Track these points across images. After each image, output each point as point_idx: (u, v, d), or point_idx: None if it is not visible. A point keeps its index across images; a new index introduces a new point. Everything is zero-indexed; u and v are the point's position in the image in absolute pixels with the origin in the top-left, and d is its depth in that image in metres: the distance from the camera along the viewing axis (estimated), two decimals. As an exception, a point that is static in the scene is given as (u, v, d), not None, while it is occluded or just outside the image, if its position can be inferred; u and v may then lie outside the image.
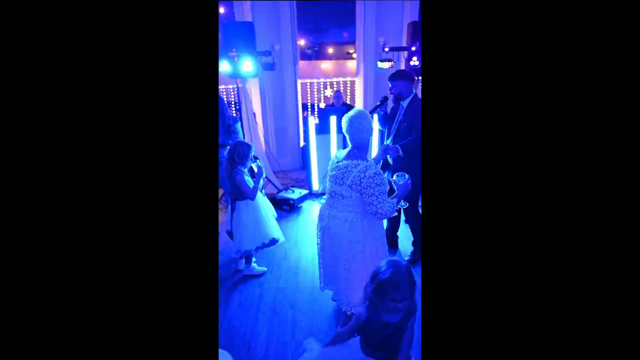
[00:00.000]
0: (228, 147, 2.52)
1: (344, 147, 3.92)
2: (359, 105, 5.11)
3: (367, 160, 1.74)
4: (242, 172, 2.40)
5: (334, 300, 2.16)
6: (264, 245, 2.59)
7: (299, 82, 4.96)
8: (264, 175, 2.51)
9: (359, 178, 1.68)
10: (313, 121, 3.96)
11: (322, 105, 5.50)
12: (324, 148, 3.92)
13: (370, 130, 1.77)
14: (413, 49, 3.76)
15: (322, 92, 5.86)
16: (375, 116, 2.73)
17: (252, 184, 2.44)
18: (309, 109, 5.49)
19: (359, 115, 1.76)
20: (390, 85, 2.60)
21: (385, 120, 2.76)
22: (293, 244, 3.13)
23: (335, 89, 5.19)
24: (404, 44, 4.36)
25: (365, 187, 1.67)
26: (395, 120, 2.64)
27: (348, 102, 5.21)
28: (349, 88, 5.48)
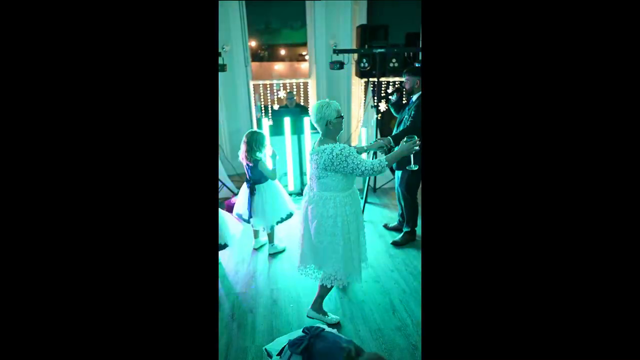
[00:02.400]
0: None
1: (299, 148, 3.96)
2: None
3: (332, 143, 1.93)
4: (261, 157, 2.74)
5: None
6: (282, 220, 2.92)
7: (251, 83, 4.90)
8: (277, 158, 2.83)
9: (329, 160, 1.88)
10: (267, 123, 3.94)
11: (276, 106, 5.48)
12: (278, 150, 3.90)
13: (323, 118, 1.91)
14: (362, 51, 3.87)
15: (275, 93, 5.84)
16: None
17: (271, 166, 2.81)
18: (263, 111, 5.45)
19: (318, 104, 1.93)
20: (405, 79, 2.86)
21: (398, 109, 3.05)
22: (250, 248, 3.09)
23: (288, 90, 5.20)
24: (354, 47, 4.48)
25: (338, 164, 1.88)
26: (403, 112, 2.92)
27: (302, 104, 5.24)
28: (302, 89, 5.51)
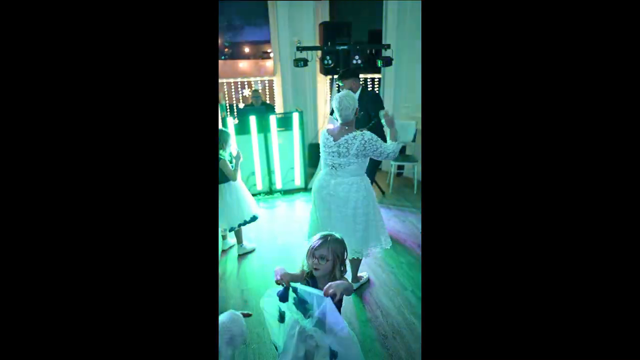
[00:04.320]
0: None
1: (265, 147, 3.92)
2: (279, 104, 5.14)
3: (357, 130, 2.11)
4: (224, 156, 2.64)
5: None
6: (245, 222, 2.84)
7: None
8: (241, 159, 2.79)
9: (362, 146, 2.05)
10: (232, 122, 3.88)
11: (241, 105, 5.40)
12: (244, 149, 3.87)
13: (354, 107, 2.10)
14: (324, 48, 3.88)
15: (239, 92, 5.76)
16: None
17: (232, 167, 2.71)
18: (227, 110, 5.35)
19: (346, 96, 2.09)
20: (341, 85, 2.92)
21: None
22: (219, 250, 3.04)
23: (253, 88, 5.14)
24: (317, 44, 4.49)
25: (368, 149, 2.06)
26: None
27: (267, 102, 5.20)
28: (267, 87, 5.46)
